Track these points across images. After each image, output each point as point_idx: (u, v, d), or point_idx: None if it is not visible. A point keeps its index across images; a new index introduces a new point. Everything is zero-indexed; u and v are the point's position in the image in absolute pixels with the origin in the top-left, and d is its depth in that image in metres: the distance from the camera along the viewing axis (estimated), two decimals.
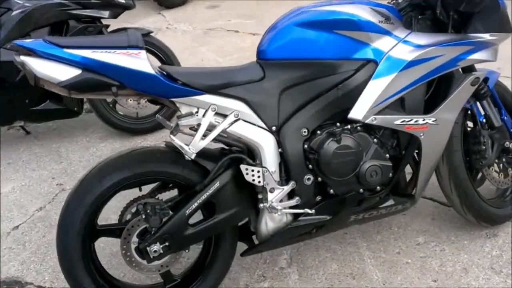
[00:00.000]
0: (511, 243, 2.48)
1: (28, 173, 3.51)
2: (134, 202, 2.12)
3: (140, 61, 1.86)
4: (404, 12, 2.19)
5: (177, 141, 1.95)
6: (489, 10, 2.15)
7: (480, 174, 2.48)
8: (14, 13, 3.44)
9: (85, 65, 1.80)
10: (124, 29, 3.72)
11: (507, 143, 2.46)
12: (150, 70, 1.86)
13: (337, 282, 2.36)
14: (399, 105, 2.10)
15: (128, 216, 2.10)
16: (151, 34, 3.73)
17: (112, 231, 2.11)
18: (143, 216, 2.02)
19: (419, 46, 2.07)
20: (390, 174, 2.18)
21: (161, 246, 2.02)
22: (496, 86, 2.51)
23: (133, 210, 2.09)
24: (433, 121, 2.14)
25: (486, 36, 2.16)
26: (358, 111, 2.06)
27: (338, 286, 2.34)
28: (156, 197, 2.16)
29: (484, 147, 2.35)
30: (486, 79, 2.40)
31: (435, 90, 2.20)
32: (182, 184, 2.10)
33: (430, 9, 2.18)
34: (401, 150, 2.19)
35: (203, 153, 2.05)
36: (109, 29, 3.73)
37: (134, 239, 2.05)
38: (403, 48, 2.07)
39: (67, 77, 1.79)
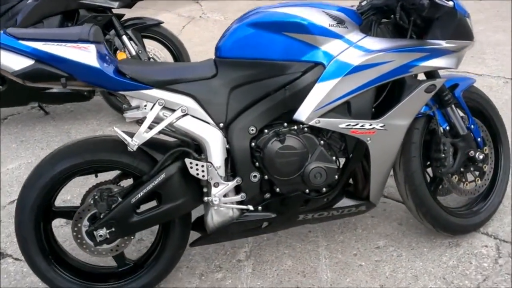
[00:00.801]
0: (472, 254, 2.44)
1: (37, 151, 3.73)
2: (96, 187, 2.24)
3: (88, 55, 1.97)
4: (366, 15, 2.18)
5: (120, 132, 2.05)
6: (446, 17, 2.12)
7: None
8: (29, 1, 3.65)
9: (37, 56, 1.94)
10: (139, 18, 3.88)
11: (472, 152, 2.40)
12: (95, 64, 1.96)
13: (286, 279, 2.40)
14: (345, 108, 2.11)
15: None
16: (161, 24, 3.85)
17: (67, 213, 2.25)
18: (92, 202, 2.14)
19: (370, 51, 2.07)
20: (336, 176, 2.20)
21: (108, 231, 2.14)
22: (471, 93, 2.46)
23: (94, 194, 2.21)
24: (380, 126, 2.14)
25: (442, 43, 2.13)
26: (302, 113, 2.09)
27: (287, 283, 2.38)
28: (119, 183, 2.27)
29: (443, 155, 2.31)
30: (454, 86, 2.36)
31: (387, 95, 2.19)
32: (135, 173, 2.20)
33: (392, 13, 2.16)
34: (349, 153, 2.20)
35: (154, 145, 2.14)
36: (124, 18, 3.88)
37: (85, 222, 2.18)
38: (353, 52, 2.07)
39: (20, 67, 1.94)
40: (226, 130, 2.14)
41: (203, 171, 2.11)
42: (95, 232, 2.14)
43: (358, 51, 2.07)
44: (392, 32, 2.20)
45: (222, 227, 2.22)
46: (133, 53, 3.64)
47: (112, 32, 3.72)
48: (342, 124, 2.11)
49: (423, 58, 2.12)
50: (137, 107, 2.10)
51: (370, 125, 2.13)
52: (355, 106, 2.12)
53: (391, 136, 2.18)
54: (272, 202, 2.22)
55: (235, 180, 2.15)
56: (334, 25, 2.08)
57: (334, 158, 2.19)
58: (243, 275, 2.45)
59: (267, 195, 2.22)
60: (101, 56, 2.00)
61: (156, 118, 2.09)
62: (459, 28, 2.15)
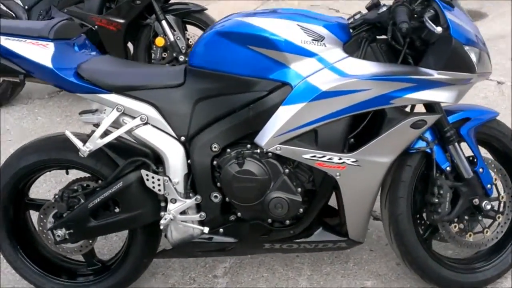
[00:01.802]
0: None
1: (76, 128, 3.75)
2: (75, 182, 2.23)
3: (44, 53, 1.94)
4: (357, 31, 1.91)
5: (72, 137, 2.00)
6: (441, 44, 1.80)
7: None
8: None
9: None
10: (183, 3, 3.81)
11: (476, 200, 2.05)
12: (48, 64, 1.92)
13: None
14: (312, 138, 1.88)
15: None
16: (205, 11, 3.75)
17: (38, 206, 2.26)
18: (53, 200, 2.13)
19: (346, 76, 1.81)
20: (301, 210, 1.98)
21: (67, 232, 2.12)
22: (489, 129, 2.09)
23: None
24: (352, 161, 1.88)
25: (434, 74, 1.80)
26: (262, 137, 1.90)
27: None
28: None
29: (437, 200, 1.99)
30: (465, 120, 2.02)
31: (368, 127, 1.91)
32: (98, 176, 2.15)
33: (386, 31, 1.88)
34: (316, 186, 1.96)
35: (120, 149, 2.07)
36: (170, 2, 3.84)
37: (50, 219, 2.18)
38: (326, 75, 1.83)
39: None
40: (188, 144, 2.00)
41: (159, 185, 2.01)
42: (54, 231, 2.13)
43: (332, 74, 1.82)
44: (386, 53, 1.90)
45: (182, 244, 2.10)
46: (171, 39, 3.58)
47: (153, 16, 3.68)
48: (306, 154, 1.88)
49: (408, 89, 1.81)
50: (96, 111, 2.03)
51: (340, 159, 1.87)
52: (322, 136, 1.87)
53: (366, 174, 1.91)
54: (233, 226, 2.06)
55: (193, 198, 2.03)
56: (308, 42, 1.83)
57: (299, 189, 1.97)
58: None
59: (229, 218, 2.06)
60: (60, 55, 1.95)
61: (115, 124, 2.01)
62: (454, 58, 1.80)
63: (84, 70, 1.99)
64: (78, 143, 1.99)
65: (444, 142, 2.00)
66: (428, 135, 1.99)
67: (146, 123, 2.00)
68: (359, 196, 1.97)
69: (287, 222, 2.02)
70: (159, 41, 3.64)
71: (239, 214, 2.04)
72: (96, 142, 1.99)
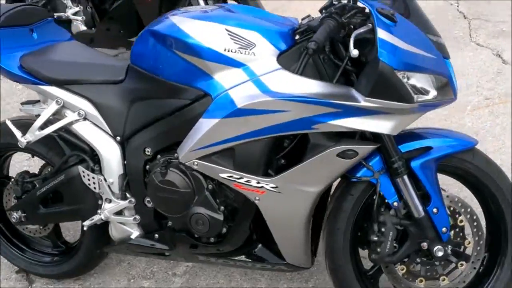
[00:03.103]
0: None
1: None
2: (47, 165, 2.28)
3: None
4: (301, 39, 1.70)
5: (12, 127, 2.02)
6: (370, 67, 1.54)
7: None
8: None
9: None
10: None
11: (424, 244, 1.77)
12: None
13: None
14: (230, 157, 1.73)
15: None
16: None
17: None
18: (12, 182, 2.20)
19: (267, 92, 1.62)
20: (224, 229, 1.86)
21: (22, 214, 2.19)
22: (461, 162, 1.79)
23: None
24: (272, 187, 1.71)
25: (361, 100, 1.55)
26: (181, 149, 1.79)
27: None
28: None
29: (376, 238, 1.76)
30: (424, 149, 1.74)
31: (298, 149, 1.71)
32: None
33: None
34: (240, 207, 1.82)
35: (69, 141, 2.07)
36: None
37: (13, 200, 2.26)
38: (248, 88, 1.65)
39: None
40: (124, 145, 1.94)
41: (94, 183, 1.99)
42: (11, 212, 2.20)
43: (254, 89, 1.64)
44: (330, 67, 1.67)
45: (122, 242, 2.08)
46: None
47: None
48: (223, 173, 1.74)
49: (332, 114, 1.57)
50: (38, 102, 2.03)
51: (258, 182, 1.71)
52: (240, 156, 1.71)
53: (289, 202, 1.73)
54: (166, 234, 1.99)
55: (127, 201, 1.98)
56: (234, 50, 1.65)
57: (222, 208, 1.83)
58: None
59: (163, 225, 2.00)
60: (5, 44, 1.96)
61: (58, 116, 2.00)
62: (381, 84, 1.52)
63: (26, 61, 1.99)
64: (17, 133, 2.01)
65: (390, 174, 1.74)
66: (374, 164, 1.74)
67: (84, 119, 1.96)
68: (285, 224, 1.79)
69: (211, 239, 1.90)
70: None
71: (169, 223, 1.96)
72: (35, 133, 2.00)
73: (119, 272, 2.44)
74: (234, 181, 1.73)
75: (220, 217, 1.83)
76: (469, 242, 1.84)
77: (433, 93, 1.60)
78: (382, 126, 1.59)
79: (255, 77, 1.65)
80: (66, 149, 2.09)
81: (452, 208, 1.83)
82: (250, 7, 1.92)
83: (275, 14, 1.89)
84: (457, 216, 1.84)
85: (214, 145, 1.71)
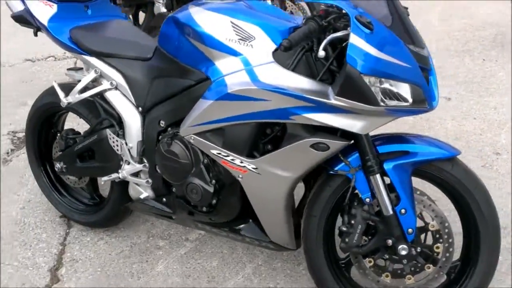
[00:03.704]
0: None
1: None
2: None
3: (47, 13, 2.32)
4: None
5: (57, 87, 2.36)
6: (342, 69, 1.67)
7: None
8: None
9: (24, 5, 2.36)
10: None
11: (390, 241, 1.88)
12: (44, 22, 2.28)
13: (196, 274, 2.44)
14: (221, 135, 1.93)
15: None
16: None
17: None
18: (58, 137, 2.56)
19: (256, 81, 1.81)
20: (214, 201, 2.08)
21: (63, 166, 2.55)
22: (439, 171, 1.88)
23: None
24: (252, 167, 1.90)
25: (331, 98, 1.69)
26: (183, 124, 2.02)
27: (194, 278, 2.42)
28: None
29: (345, 229, 1.90)
30: (400, 153, 1.85)
31: (278, 138, 1.89)
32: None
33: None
34: (226, 183, 2.03)
35: (105, 107, 2.38)
36: None
37: (58, 152, 2.62)
38: (240, 76, 1.84)
39: (15, 10, 2.43)
40: (144, 115, 2.21)
41: (117, 145, 2.28)
42: (55, 162, 2.57)
43: (246, 77, 1.82)
44: (320, 66, 1.81)
45: (138, 201, 2.37)
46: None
47: None
48: (214, 150, 1.95)
49: (307, 108, 1.73)
50: (81, 69, 2.35)
51: (241, 162, 1.91)
52: (228, 137, 1.91)
53: (267, 183, 1.90)
54: (170, 199, 2.25)
55: (142, 165, 2.26)
56: (234, 40, 1.85)
57: (213, 181, 2.05)
58: (176, 254, 2.57)
59: (170, 190, 2.25)
60: (61, 16, 2.29)
61: (96, 84, 2.30)
62: (348, 86, 1.64)
63: (74, 33, 2.30)
64: (61, 94, 2.34)
65: (364, 171, 1.86)
66: (353, 160, 1.88)
67: (115, 88, 2.25)
68: (265, 204, 1.97)
69: (204, 209, 2.12)
70: None
71: (173, 189, 2.20)
72: (75, 96, 2.32)
73: (142, 230, 2.74)
74: (222, 158, 1.94)
75: (211, 189, 2.05)
76: (438, 247, 1.91)
77: (408, 100, 1.70)
78: (352, 124, 1.71)
79: (249, 67, 1.83)
80: (101, 113, 2.39)
81: (424, 213, 1.92)
82: (267, 5, 2.09)
83: (287, 13, 2.05)
84: (428, 221, 1.91)
85: (207, 124, 1.93)
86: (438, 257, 1.93)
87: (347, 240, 1.89)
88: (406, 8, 1.91)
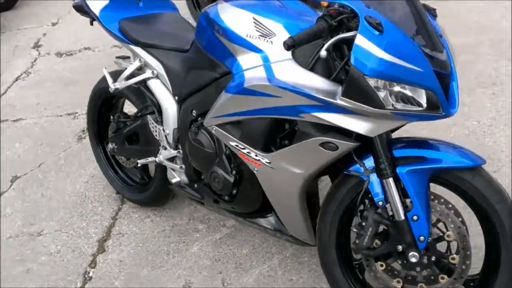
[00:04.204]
0: None
1: None
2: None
3: (99, 4, 2.47)
4: None
5: (106, 74, 2.51)
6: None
7: None
8: None
9: None
10: None
11: (400, 247, 1.84)
12: (96, 13, 2.44)
13: (226, 259, 2.52)
14: (240, 128, 1.98)
15: None
16: None
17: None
18: (111, 119, 2.75)
19: (271, 78, 1.82)
20: (234, 191, 2.14)
21: (114, 146, 2.74)
22: (460, 180, 1.80)
23: None
24: (266, 161, 1.93)
25: (337, 98, 1.67)
26: (208, 115, 2.08)
27: (222, 263, 2.51)
28: None
29: (356, 230, 1.88)
30: (417, 158, 1.80)
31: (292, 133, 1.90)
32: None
33: None
34: (245, 175, 2.07)
35: (149, 94, 2.51)
36: None
37: (111, 133, 2.81)
38: (259, 72, 1.86)
39: (75, 0, 2.59)
40: (180, 104, 2.31)
41: (156, 131, 2.40)
42: (108, 142, 2.75)
43: (263, 73, 1.84)
44: (338, 64, 1.80)
45: (174, 185, 2.49)
46: None
47: None
48: (232, 142, 2.00)
49: (316, 107, 1.71)
50: (128, 58, 2.48)
51: (256, 155, 1.94)
52: (245, 130, 1.95)
53: (280, 178, 1.92)
54: (200, 185, 2.34)
55: (176, 151, 2.37)
56: (254, 37, 1.87)
57: (234, 172, 2.10)
58: (211, 237, 2.68)
59: (200, 177, 2.34)
60: (112, 8, 2.43)
61: (140, 72, 2.43)
62: (353, 87, 1.60)
63: (123, 24, 2.44)
64: (109, 80, 2.49)
65: (377, 174, 1.83)
66: (367, 162, 1.85)
67: (157, 77, 2.36)
68: (280, 198, 2.00)
69: (226, 198, 2.18)
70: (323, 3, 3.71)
71: (202, 176, 2.29)
72: (122, 82, 2.47)
73: (185, 212, 2.86)
74: (239, 150, 1.98)
75: (231, 179, 2.10)
76: (454, 258, 1.84)
77: (423, 105, 1.64)
78: (358, 125, 1.68)
79: (268, 63, 1.84)
80: (147, 99, 2.51)
81: (441, 222, 1.85)
82: (297, 2, 2.06)
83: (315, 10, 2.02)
84: (445, 230, 1.84)
85: (227, 116, 1.98)
86: (454, 268, 1.85)
87: (357, 241, 1.87)
88: (434, 9, 1.83)
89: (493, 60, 3.77)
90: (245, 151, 1.96)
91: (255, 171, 1.98)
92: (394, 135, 1.95)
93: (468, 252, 1.83)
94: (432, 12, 1.82)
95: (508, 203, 1.78)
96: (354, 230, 1.88)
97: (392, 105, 1.62)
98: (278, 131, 1.92)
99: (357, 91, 1.60)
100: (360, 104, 1.62)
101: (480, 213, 1.83)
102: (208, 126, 2.07)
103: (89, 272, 2.60)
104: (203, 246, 2.62)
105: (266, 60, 1.85)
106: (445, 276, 1.86)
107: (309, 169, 1.86)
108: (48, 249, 2.78)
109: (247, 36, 1.89)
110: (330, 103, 1.67)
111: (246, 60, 1.90)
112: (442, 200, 1.89)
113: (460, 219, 1.87)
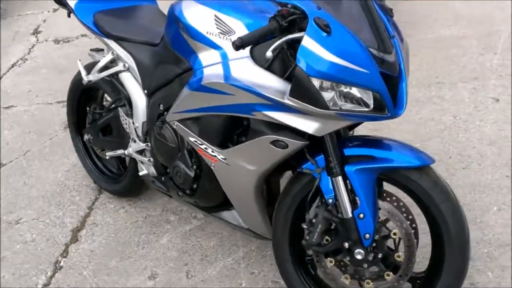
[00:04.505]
0: None
1: None
2: None
3: None
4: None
5: (80, 66, 2.57)
6: None
7: None
8: None
9: None
10: None
11: (346, 244, 1.89)
12: (72, 6, 2.49)
13: (193, 251, 2.58)
14: (199, 124, 2.03)
15: None
16: None
17: None
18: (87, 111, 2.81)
19: (227, 75, 1.85)
20: (195, 186, 2.19)
21: (90, 137, 2.81)
22: (407, 180, 1.84)
23: None
24: (222, 158, 1.97)
25: (285, 97, 1.70)
26: (170, 110, 2.13)
27: (189, 255, 2.57)
28: None
29: (306, 226, 1.93)
30: (366, 157, 1.85)
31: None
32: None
33: None
34: (204, 170, 2.13)
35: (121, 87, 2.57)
36: None
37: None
38: (217, 69, 1.88)
39: None
40: (149, 98, 2.36)
41: (126, 124, 2.46)
42: (84, 133, 2.82)
43: (220, 71, 1.86)
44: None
45: (143, 177, 2.55)
46: None
47: None
48: (191, 138, 2.05)
49: (266, 106, 1.75)
50: (101, 51, 2.53)
51: (212, 151, 1.99)
52: (203, 126, 2.00)
53: (235, 173, 1.97)
54: (166, 178, 2.39)
55: (145, 144, 2.42)
56: (215, 34, 1.90)
57: (195, 166, 2.15)
58: (178, 230, 2.73)
59: (166, 170, 2.39)
60: (87, 0, 2.48)
61: (113, 65, 2.48)
62: (298, 87, 1.63)
63: (97, 17, 2.49)
64: (83, 72, 2.54)
65: (327, 172, 1.87)
66: (319, 160, 1.89)
67: (128, 70, 2.42)
68: (236, 193, 2.04)
69: (187, 191, 2.24)
70: None
71: (168, 169, 2.34)
72: (95, 75, 2.52)
73: (159, 203, 2.92)
74: (198, 146, 2.03)
75: (192, 174, 2.15)
76: (399, 256, 1.88)
77: (370, 106, 1.68)
78: (306, 125, 1.71)
79: (226, 60, 1.88)
80: (120, 92, 2.57)
81: (388, 221, 1.89)
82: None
83: None
84: (392, 229, 1.89)
85: (186, 112, 2.02)
86: (399, 265, 1.90)
87: (308, 237, 1.92)
88: (391, 10, 1.86)
89: (479, 54, 3.78)
90: (202, 147, 2.01)
91: (212, 167, 2.03)
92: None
93: (413, 250, 1.87)
94: (389, 13, 1.85)
95: (453, 203, 1.82)
96: (305, 226, 1.92)
97: (340, 106, 1.65)
98: (235, 128, 1.96)
99: (302, 91, 1.64)
100: (305, 104, 1.65)
101: (427, 212, 1.87)
102: (170, 121, 2.12)
103: (60, 262, 2.67)
104: (173, 238, 2.68)
105: (225, 57, 1.88)
106: (391, 273, 1.90)
107: (262, 166, 1.90)
108: (24, 237, 2.86)
109: (207, 33, 1.92)
110: (280, 102, 1.71)
111: (206, 57, 1.94)
112: (394, 198, 1.93)
113: (411, 217, 1.92)
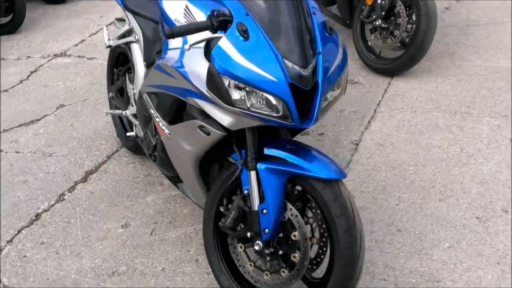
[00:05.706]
0: None
1: None
2: None
3: None
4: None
5: (105, 32, 2.92)
6: None
7: None
8: None
9: None
10: None
11: (249, 234, 2.04)
12: None
13: (166, 213, 2.87)
14: (156, 99, 2.28)
15: None
16: None
17: None
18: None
19: (178, 59, 2.05)
20: (155, 153, 2.46)
21: (113, 95, 3.19)
22: (313, 189, 1.94)
23: None
24: (167, 133, 2.22)
25: (204, 88, 1.90)
26: (143, 81, 2.42)
27: (163, 216, 2.85)
28: None
29: (222, 210, 2.13)
30: (279, 158, 1.99)
31: None
32: None
33: None
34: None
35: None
36: None
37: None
38: (175, 53, 2.08)
39: None
40: (147, 69, 2.67)
41: (129, 89, 2.80)
42: (109, 91, 3.21)
43: (176, 55, 2.06)
44: None
45: (135, 137, 2.89)
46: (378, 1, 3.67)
47: None
48: (151, 110, 2.31)
49: (194, 93, 1.94)
50: (123, 20, 2.87)
51: (162, 125, 2.24)
52: (159, 101, 2.24)
53: (177, 149, 2.19)
54: (143, 142, 2.69)
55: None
56: (181, 22, 2.10)
57: (157, 136, 2.42)
58: (166, 193, 3.01)
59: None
60: None
61: (130, 34, 2.81)
62: (210, 82, 1.80)
63: None
64: (106, 37, 2.90)
65: (244, 166, 2.04)
66: (243, 152, 2.06)
67: (137, 42, 2.73)
68: (179, 168, 2.28)
69: (152, 157, 2.52)
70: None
71: None
72: (114, 41, 2.86)
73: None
74: (154, 118, 2.29)
75: (153, 142, 2.42)
76: (295, 256, 2.01)
77: (279, 110, 1.81)
78: (221, 117, 1.88)
79: (184, 44, 2.10)
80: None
81: (290, 222, 2.01)
82: None
83: None
84: (292, 230, 2.01)
85: (150, 86, 2.29)
86: (294, 265, 2.02)
87: (223, 220, 2.10)
88: (331, 28, 1.95)
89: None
90: (157, 119, 2.27)
91: (162, 139, 2.28)
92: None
93: (306, 253, 1.98)
94: (328, 31, 1.95)
95: (348, 219, 1.90)
96: (221, 209, 2.11)
97: (248, 106, 1.80)
98: (181, 109, 2.19)
99: (214, 86, 1.82)
100: (216, 99, 1.83)
101: (326, 222, 1.96)
102: (142, 92, 2.40)
103: (64, 195, 3.09)
104: (157, 198, 2.98)
105: (185, 43, 2.09)
106: (286, 271, 2.03)
107: (195, 148, 2.11)
108: (48, 168, 3.32)
109: (175, 20, 2.15)
110: (203, 93, 1.90)
111: (172, 41, 2.18)
112: (309, 204, 2.04)
113: (320, 223, 2.01)
